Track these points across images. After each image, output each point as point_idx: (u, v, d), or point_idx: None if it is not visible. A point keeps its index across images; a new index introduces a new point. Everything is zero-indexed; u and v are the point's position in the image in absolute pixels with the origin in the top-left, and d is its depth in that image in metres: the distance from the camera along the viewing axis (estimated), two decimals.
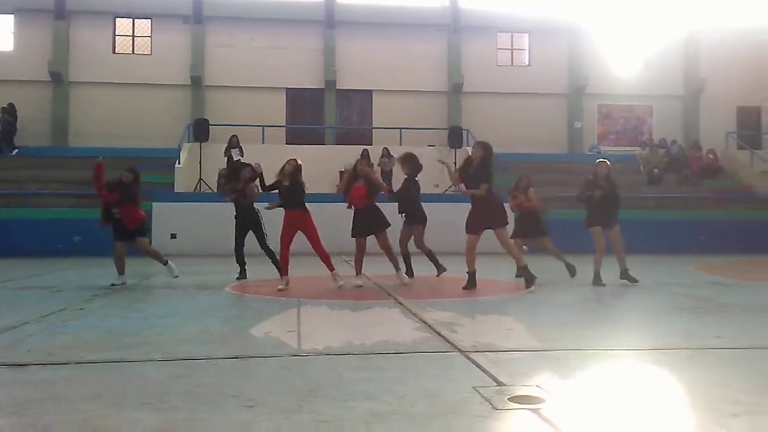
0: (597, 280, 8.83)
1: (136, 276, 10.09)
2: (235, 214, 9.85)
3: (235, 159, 16.94)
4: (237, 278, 9.56)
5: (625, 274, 9.00)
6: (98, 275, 10.05)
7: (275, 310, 6.55)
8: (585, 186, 9.20)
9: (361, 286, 8.46)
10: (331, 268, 8.51)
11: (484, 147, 8.41)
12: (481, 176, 8.25)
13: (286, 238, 8.41)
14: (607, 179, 9.08)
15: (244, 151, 17.41)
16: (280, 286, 8.22)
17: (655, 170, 20.59)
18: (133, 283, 9.11)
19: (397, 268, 8.90)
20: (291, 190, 8.39)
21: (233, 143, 17.77)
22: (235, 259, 9.82)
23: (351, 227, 8.81)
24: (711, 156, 21.50)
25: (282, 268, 8.48)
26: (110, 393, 3.42)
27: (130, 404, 3.23)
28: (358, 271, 8.81)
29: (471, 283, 8.24)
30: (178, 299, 7.66)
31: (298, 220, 8.38)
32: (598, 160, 9.38)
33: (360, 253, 8.85)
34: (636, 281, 8.88)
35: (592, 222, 9.06)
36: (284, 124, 22.40)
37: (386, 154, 18.67)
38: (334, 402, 3.24)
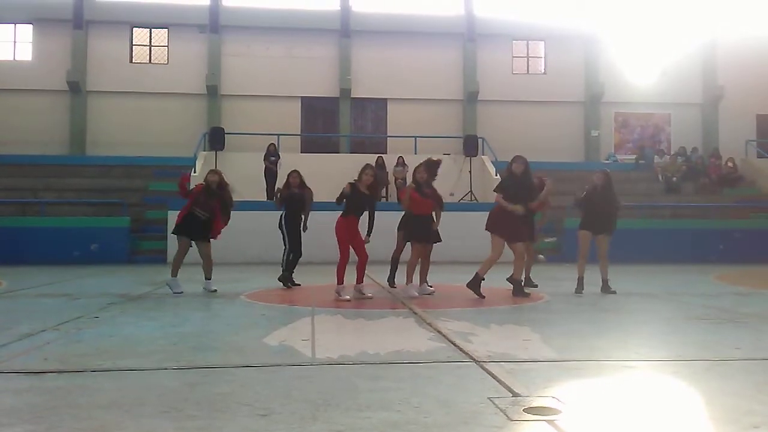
0: (579, 287, 8.88)
1: (150, 284, 10.15)
2: (287, 216, 9.87)
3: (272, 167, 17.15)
4: (288, 285, 9.72)
5: (605, 285, 8.96)
6: (114, 283, 10.11)
7: (289, 319, 6.54)
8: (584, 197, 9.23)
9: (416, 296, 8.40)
10: (341, 282, 8.39)
11: (525, 161, 8.55)
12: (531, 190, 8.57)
13: (348, 246, 8.34)
14: (605, 188, 9.03)
15: (281, 157, 17.55)
16: (347, 297, 8.06)
17: (674, 178, 20.44)
18: (147, 292, 9.15)
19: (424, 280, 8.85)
20: (370, 199, 8.43)
21: (271, 152, 17.90)
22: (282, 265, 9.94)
23: (414, 231, 8.61)
24: (730, 164, 21.31)
25: (341, 275, 8.33)
26: (126, 401, 3.43)
27: (146, 412, 3.23)
28: (410, 279, 8.61)
29: (519, 291, 8.40)
30: (192, 308, 7.68)
31: (357, 227, 8.36)
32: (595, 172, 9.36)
33: (415, 260, 8.63)
34: (614, 292, 8.79)
35: (582, 225, 9.10)
36: (299, 133, 22.50)
37: (401, 162, 18.73)
38: (349, 411, 3.23)
